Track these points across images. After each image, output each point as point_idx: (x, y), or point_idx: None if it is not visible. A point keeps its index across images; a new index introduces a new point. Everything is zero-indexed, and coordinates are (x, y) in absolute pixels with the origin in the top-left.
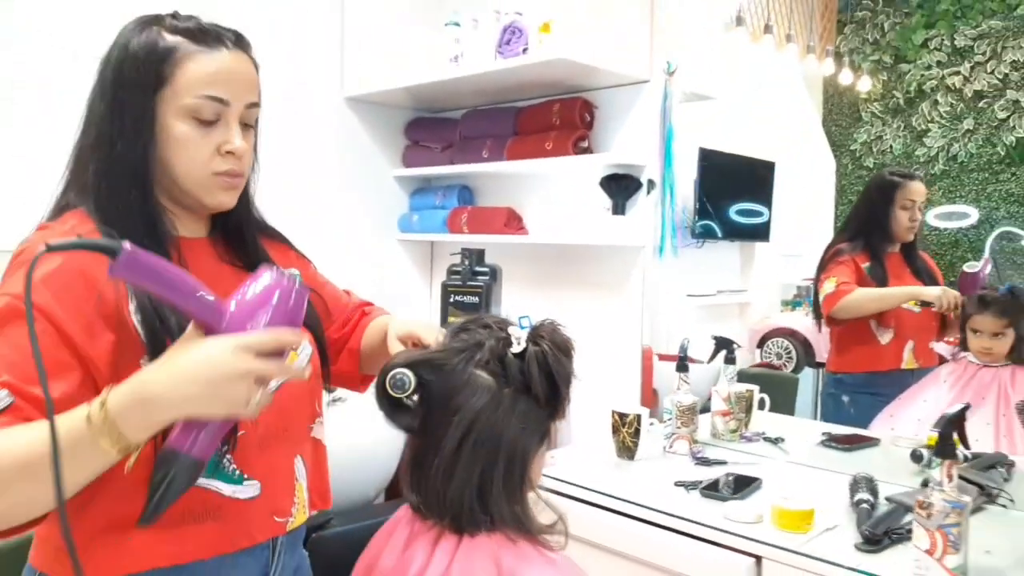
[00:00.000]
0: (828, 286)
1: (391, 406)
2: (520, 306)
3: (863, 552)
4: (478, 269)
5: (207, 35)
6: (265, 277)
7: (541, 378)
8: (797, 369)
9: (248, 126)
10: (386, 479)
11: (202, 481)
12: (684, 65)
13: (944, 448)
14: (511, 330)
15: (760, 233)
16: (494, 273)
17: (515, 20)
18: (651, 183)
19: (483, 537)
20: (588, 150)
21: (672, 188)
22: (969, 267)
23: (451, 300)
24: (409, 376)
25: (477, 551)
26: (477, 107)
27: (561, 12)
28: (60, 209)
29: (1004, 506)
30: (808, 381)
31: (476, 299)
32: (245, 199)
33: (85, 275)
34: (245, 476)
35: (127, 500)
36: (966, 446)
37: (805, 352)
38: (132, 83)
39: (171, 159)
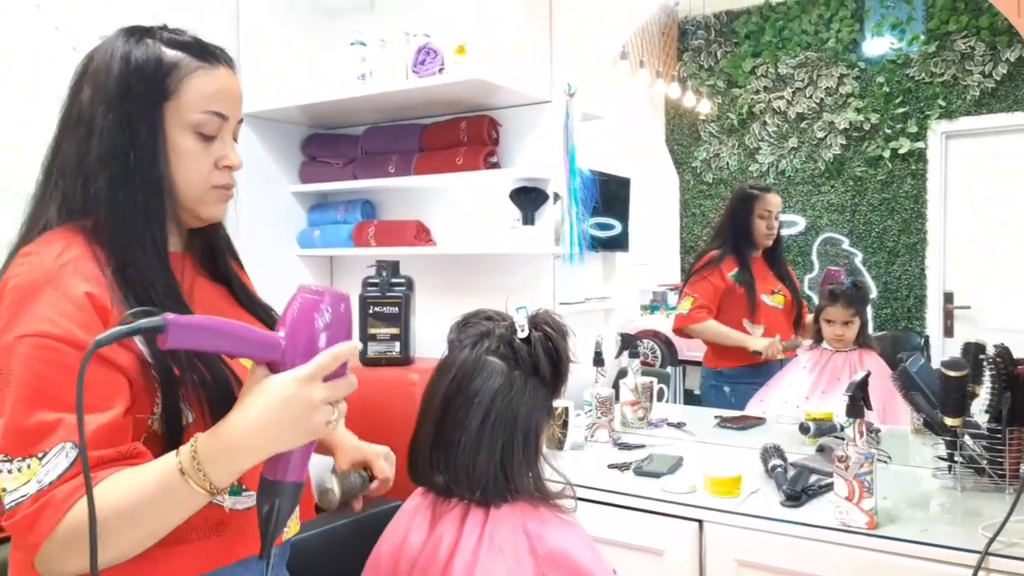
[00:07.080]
0: (684, 305)
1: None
2: (434, 314)
3: (788, 508)
4: (394, 280)
5: (205, 51)
6: (308, 300)
7: (546, 360)
8: (663, 366)
9: (234, 141)
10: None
11: None
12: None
13: (855, 409)
14: (516, 319)
15: (620, 244)
16: (410, 283)
17: (427, 42)
18: (556, 195)
19: (507, 507)
20: (496, 165)
21: (577, 199)
22: (833, 268)
23: (371, 312)
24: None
25: (504, 520)
26: (377, 124)
27: (469, 36)
28: (40, 229)
29: (884, 462)
30: (673, 376)
31: (396, 309)
32: None
33: (94, 301)
34: (243, 487)
35: None
36: (869, 407)
37: (669, 350)
38: (140, 96)
39: (174, 171)
